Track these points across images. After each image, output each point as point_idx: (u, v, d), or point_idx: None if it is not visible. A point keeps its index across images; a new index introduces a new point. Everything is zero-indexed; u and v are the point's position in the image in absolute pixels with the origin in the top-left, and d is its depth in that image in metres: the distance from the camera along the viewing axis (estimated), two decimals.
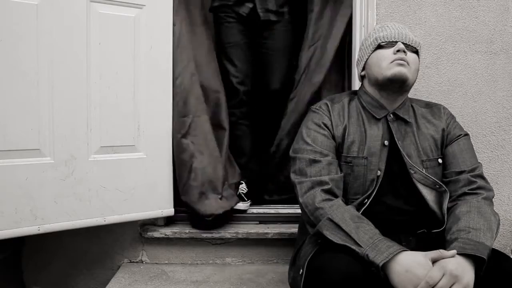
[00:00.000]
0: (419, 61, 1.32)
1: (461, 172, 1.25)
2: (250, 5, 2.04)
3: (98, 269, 1.87)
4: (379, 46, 1.29)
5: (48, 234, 1.53)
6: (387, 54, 1.26)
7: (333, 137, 1.28)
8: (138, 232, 1.83)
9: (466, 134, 1.33)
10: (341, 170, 1.25)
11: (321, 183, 1.19)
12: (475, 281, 1.00)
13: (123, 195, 1.64)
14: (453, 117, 1.36)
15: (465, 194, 1.22)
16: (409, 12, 1.78)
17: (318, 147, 1.25)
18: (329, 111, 1.31)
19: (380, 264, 1.00)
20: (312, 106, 1.36)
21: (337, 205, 1.15)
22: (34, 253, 1.86)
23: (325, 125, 1.28)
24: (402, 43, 1.26)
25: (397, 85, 1.26)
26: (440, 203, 1.23)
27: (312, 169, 1.22)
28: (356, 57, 1.44)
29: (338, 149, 1.27)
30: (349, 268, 1.01)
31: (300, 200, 1.21)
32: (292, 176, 1.27)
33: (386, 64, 1.26)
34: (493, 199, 1.25)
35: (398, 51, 1.24)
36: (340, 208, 1.15)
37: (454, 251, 1.03)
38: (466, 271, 0.99)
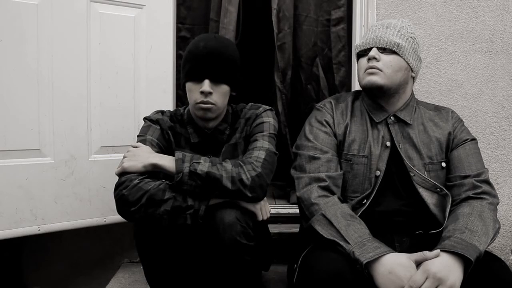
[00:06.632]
0: (409, 57, 1.25)
1: (466, 177, 1.23)
2: None
3: (98, 269, 1.87)
4: (359, 55, 1.31)
5: (48, 234, 1.53)
6: (363, 63, 1.27)
7: (335, 135, 1.29)
8: None
9: (474, 139, 1.30)
10: (341, 168, 1.26)
11: (318, 179, 1.21)
12: (464, 281, 1.00)
13: None
14: (461, 121, 1.34)
15: (469, 198, 1.20)
16: (409, 12, 1.78)
17: (318, 144, 1.26)
18: (332, 109, 1.32)
19: (364, 262, 1.00)
20: (316, 104, 1.37)
21: (332, 202, 1.16)
22: (34, 253, 1.86)
23: (327, 122, 1.29)
24: (377, 47, 1.25)
25: (376, 92, 1.27)
26: (442, 207, 1.22)
27: (311, 165, 1.24)
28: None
29: (339, 147, 1.28)
30: (337, 267, 1.01)
31: (298, 194, 1.23)
32: (292, 171, 1.29)
33: (362, 73, 1.28)
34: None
35: (369, 59, 1.25)
36: (334, 205, 1.16)
37: (437, 251, 1.03)
38: (451, 272, 0.99)
